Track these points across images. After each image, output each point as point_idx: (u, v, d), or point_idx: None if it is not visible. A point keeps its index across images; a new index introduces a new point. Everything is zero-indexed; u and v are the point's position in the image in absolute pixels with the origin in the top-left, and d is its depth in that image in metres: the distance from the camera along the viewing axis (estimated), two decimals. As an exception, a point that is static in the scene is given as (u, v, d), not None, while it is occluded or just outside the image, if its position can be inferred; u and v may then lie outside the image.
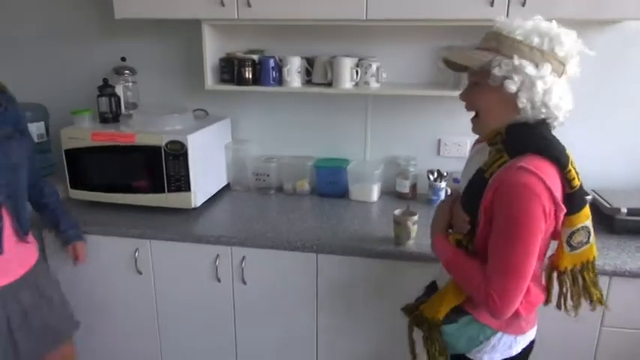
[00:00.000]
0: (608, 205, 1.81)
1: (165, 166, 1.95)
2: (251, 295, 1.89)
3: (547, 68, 1.12)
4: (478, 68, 1.18)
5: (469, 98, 1.26)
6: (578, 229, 1.19)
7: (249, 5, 1.86)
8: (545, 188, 1.10)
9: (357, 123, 2.29)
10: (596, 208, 1.89)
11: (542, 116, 1.16)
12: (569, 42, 1.14)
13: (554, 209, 1.13)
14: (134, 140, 1.94)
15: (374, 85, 2.03)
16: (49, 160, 2.31)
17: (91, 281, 1.98)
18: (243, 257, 1.84)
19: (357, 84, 2.03)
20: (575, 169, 1.16)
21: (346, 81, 2.00)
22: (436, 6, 1.77)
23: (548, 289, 1.31)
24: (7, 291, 1.54)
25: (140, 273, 1.93)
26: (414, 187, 2.24)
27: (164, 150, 1.93)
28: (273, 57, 2.07)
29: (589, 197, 1.87)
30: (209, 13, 1.92)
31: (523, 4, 1.71)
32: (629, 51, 1.99)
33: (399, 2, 1.78)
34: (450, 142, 2.23)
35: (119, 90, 2.22)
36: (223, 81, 2.13)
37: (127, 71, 2.28)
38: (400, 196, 2.24)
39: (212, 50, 2.06)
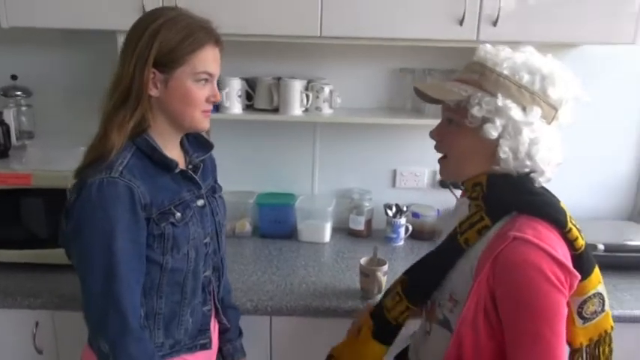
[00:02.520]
0: (581, 241, 1.69)
1: (73, 214, 1.55)
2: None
3: (536, 113, 0.93)
4: (454, 105, 0.97)
5: (441, 137, 1.05)
6: (589, 297, 1.01)
7: (178, 16, 1.53)
8: (552, 261, 0.89)
9: (303, 153, 2.02)
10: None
11: (526, 170, 0.96)
12: (564, 83, 0.95)
13: (570, 279, 0.91)
14: (30, 182, 1.53)
15: (327, 111, 1.78)
16: None
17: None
18: (178, 324, 1.48)
19: (306, 110, 1.77)
20: (575, 225, 0.97)
21: (295, 107, 1.73)
22: (399, 24, 1.56)
23: None
24: None
25: (40, 352, 1.50)
26: (368, 222, 2.00)
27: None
28: (207, 78, 1.75)
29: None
30: (128, 24, 1.56)
31: (494, 24, 1.55)
32: (587, 74, 1.92)
33: (358, 19, 1.55)
34: (406, 172, 2.02)
35: (8, 116, 1.77)
36: (145, 105, 1.77)
37: (19, 92, 1.84)
38: (354, 234, 2.00)
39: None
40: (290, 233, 1.96)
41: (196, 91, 1.03)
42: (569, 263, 0.91)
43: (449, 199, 2.03)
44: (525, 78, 0.93)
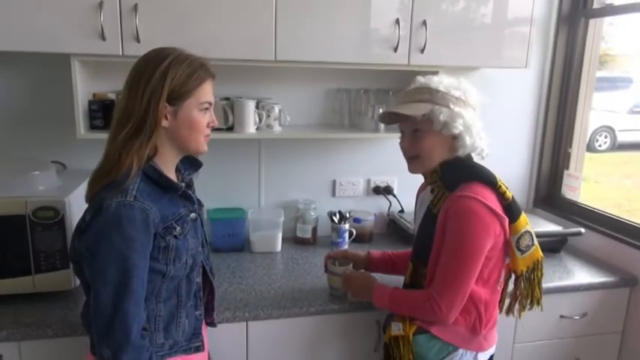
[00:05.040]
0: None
1: (32, 241, 1.50)
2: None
3: (471, 113, 1.35)
4: (421, 117, 1.34)
5: (411, 144, 1.39)
6: (522, 234, 1.36)
7: (137, 41, 1.58)
8: (485, 208, 1.28)
9: (249, 168, 2.13)
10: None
11: (475, 151, 1.38)
12: (474, 92, 1.38)
13: (499, 222, 1.30)
14: (-15, 210, 1.46)
15: (277, 128, 1.92)
16: None
17: None
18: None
19: (258, 128, 1.89)
20: (504, 184, 1.36)
21: (250, 125, 1.84)
22: (345, 50, 1.77)
23: (502, 295, 1.46)
24: None
25: (5, 388, 1.43)
26: (314, 230, 2.16)
27: (30, 219, 1.49)
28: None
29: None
30: (84, 48, 1.57)
31: (422, 52, 1.81)
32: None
33: (308, 45, 1.73)
34: (345, 182, 2.23)
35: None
36: (94, 127, 1.76)
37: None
38: (301, 242, 2.15)
39: (82, 91, 1.69)
40: (242, 246, 2.05)
41: (200, 119, 1.16)
42: (498, 209, 1.30)
43: (382, 203, 2.28)
44: (456, 93, 1.34)
